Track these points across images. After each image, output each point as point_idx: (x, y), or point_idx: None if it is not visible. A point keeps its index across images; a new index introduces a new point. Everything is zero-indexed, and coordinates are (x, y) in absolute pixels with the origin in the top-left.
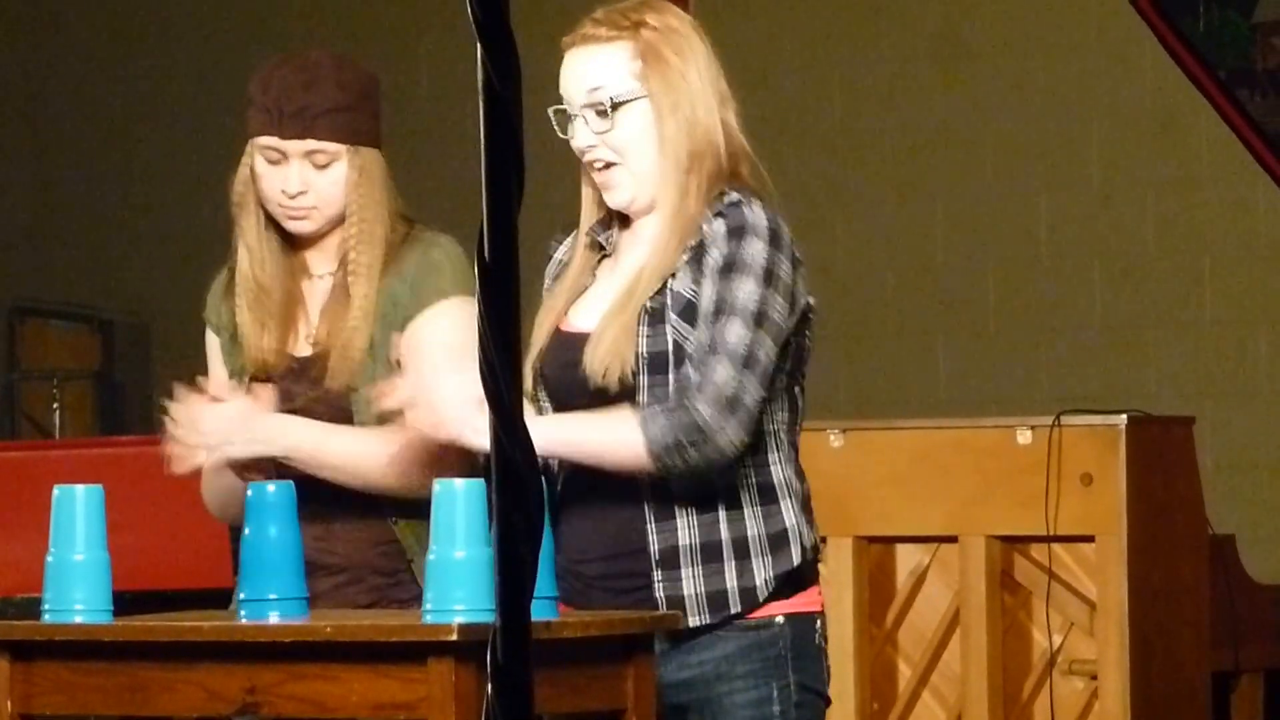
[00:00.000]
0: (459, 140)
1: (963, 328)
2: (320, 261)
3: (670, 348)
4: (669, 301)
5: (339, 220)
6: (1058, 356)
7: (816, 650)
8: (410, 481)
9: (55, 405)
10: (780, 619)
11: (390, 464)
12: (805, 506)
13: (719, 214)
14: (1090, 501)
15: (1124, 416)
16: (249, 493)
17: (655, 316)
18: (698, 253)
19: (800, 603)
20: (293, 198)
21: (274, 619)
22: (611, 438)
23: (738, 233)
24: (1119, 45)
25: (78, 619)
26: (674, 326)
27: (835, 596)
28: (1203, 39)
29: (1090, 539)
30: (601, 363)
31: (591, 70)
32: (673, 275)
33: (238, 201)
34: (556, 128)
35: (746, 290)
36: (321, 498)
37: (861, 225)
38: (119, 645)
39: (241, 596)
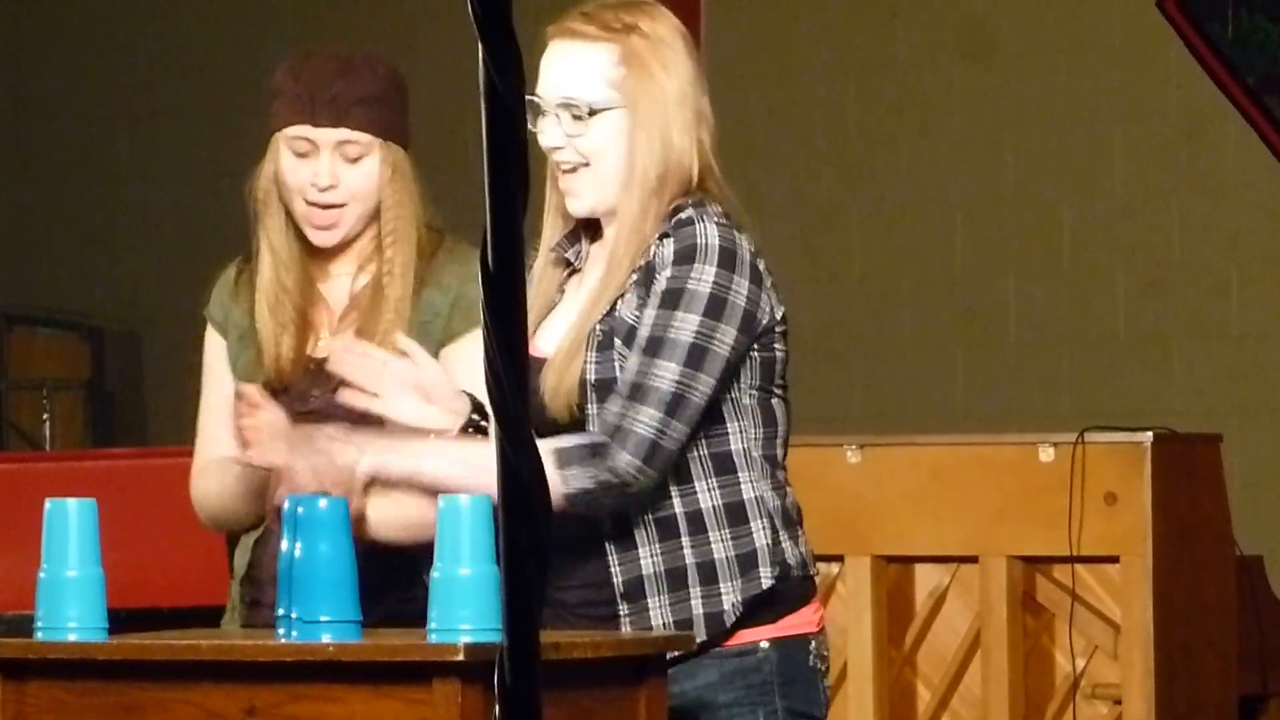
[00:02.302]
0: (461, 141)
1: (983, 340)
2: (341, 262)
3: (618, 374)
4: (615, 327)
5: (366, 221)
6: (1080, 370)
7: (810, 673)
8: None
9: (45, 416)
10: (765, 644)
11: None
12: (787, 522)
13: (666, 234)
14: (1114, 521)
15: (1149, 433)
16: (299, 508)
17: (605, 342)
18: (646, 274)
19: (788, 625)
20: (322, 191)
21: (326, 639)
22: None
23: (687, 256)
24: (1145, 50)
25: (72, 637)
26: (618, 353)
27: (853, 617)
28: (1231, 45)
29: (1114, 559)
30: (552, 392)
31: (572, 70)
32: (621, 297)
33: (262, 199)
34: (529, 120)
35: (688, 324)
36: None
37: (879, 233)
38: (114, 664)
39: (294, 615)
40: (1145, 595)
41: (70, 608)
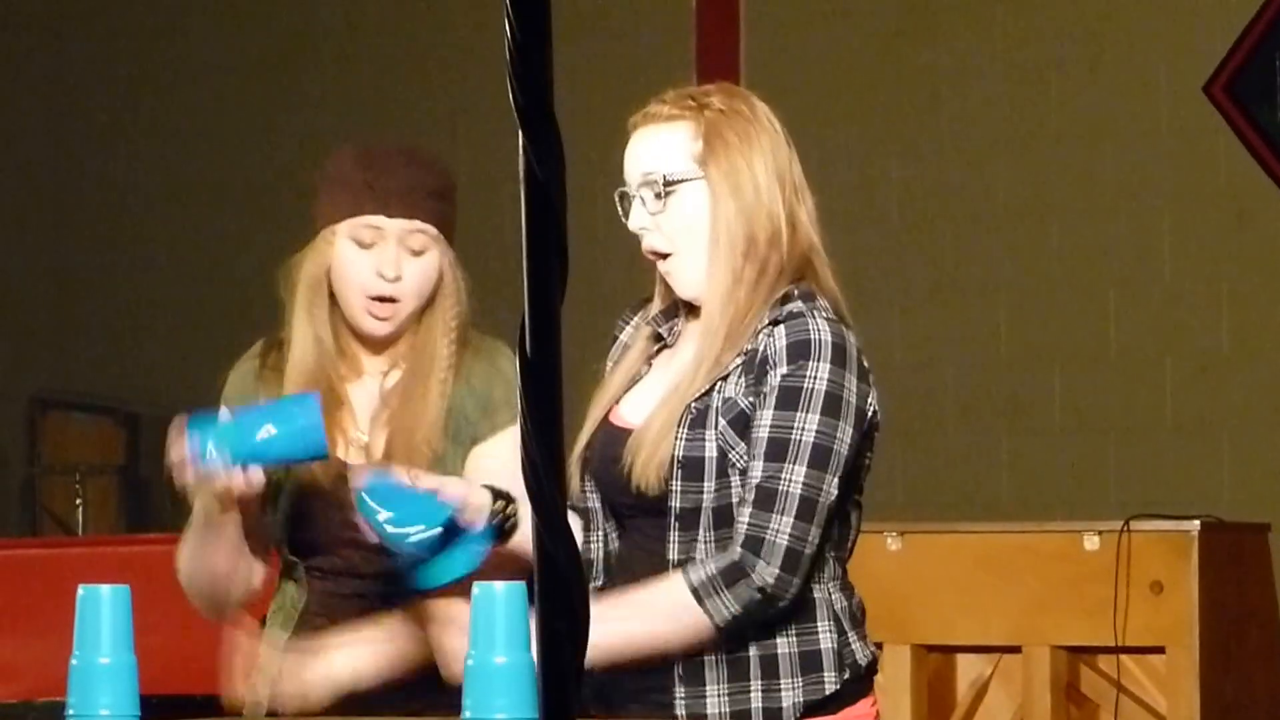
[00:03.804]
0: (496, 226)
1: (1027, 425)
2: (376, 360)
3: (713, 454)
4: (717, 405)
5: (414, 320)
6: (1127, 457)
7: None
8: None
9: (78, 501)
10: None
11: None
12: (855, 622)
13: (777, 321)
14: (1161, 611)
15: (1196, 522)
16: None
17: (698, 420)
18: (752, 359)
19: (845, 717)
20: (390, 281)
21: None
22: (672, 627)
23: (800, 352)
24: (1192, 134)
25: None
26: (720, 434)
27: (893, 707)
28: None
29: (1160, 650)
30: (642, 466)
31: (650, 149)
32: (723, 378)
33: (311, 287)
34: (620, 213)
35: (810, 424)
36: (375, 597)
37: (920, 316)
38: None
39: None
40: (1192, 687)
41: (103, 695)
